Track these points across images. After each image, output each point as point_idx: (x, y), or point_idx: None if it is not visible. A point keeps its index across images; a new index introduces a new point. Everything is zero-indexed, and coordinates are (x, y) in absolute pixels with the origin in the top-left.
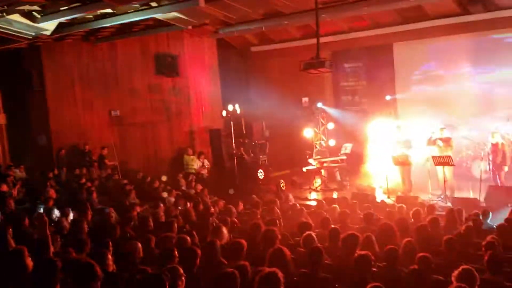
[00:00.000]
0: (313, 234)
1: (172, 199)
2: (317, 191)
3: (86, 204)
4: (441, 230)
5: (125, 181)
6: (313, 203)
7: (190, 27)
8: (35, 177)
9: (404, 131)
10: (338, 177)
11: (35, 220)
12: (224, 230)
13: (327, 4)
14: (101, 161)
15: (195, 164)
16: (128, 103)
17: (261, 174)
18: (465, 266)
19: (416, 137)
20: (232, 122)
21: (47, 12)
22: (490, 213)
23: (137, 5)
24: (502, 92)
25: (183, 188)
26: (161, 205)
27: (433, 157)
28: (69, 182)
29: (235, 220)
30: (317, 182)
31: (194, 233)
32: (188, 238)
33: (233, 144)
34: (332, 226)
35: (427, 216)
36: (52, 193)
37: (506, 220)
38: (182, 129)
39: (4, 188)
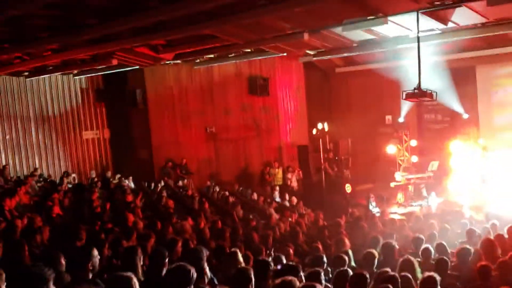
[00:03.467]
0: (429, 247)
1: (272, 211)
2: (404, 205)
3: (201, 213)
4: None
5: (226, 193)
6: (397, 216)
7: (285, 53)
8: (144, 188)
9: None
10: (425, 193)
11: None
12: (347, 240)
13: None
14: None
15: (280, 176)
16: (222, 120)
17: (348, 188)
18: None
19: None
20: (321, 139)
21: None
22: None
23: None
24: None
25: (277, 200)
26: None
27: None
28: (175, 193)
29: (343, 231)
30: (400, 197)
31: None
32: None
33: (321, 159)
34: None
35: None
36: (171, 203)
37: None
38: (271, 144)
39: (130, 198)
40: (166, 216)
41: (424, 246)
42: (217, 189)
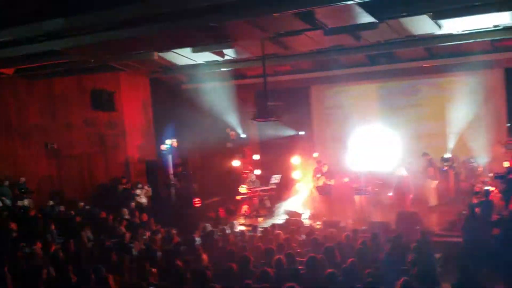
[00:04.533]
0: (281, 257)
1: (123, 229)
2: (250, 217)
3: (47, 236)
4: (369, 249)
5: (72, 212)
6: (244, 228)
7: (133, 69)
8: None
9: (323, 163)
10: (268, 204)
11: None
12: (205, 256)
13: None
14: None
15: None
16: (65, 136)
17: (197, 202)
18: (404, 278)
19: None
20: (170, 155)
21: None
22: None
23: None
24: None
25: (126, 217)
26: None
27: (352, 187)
28: (15, 214)
29: (200, 247)
30: (246, 209)
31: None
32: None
33: (170, 175)
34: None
35: (354, 238)
36: (14, 225)
37: (417, 241)
38: (118, 160)
39: None
40: (10, 240)
41: (276, 257)
42: (62, 208)
